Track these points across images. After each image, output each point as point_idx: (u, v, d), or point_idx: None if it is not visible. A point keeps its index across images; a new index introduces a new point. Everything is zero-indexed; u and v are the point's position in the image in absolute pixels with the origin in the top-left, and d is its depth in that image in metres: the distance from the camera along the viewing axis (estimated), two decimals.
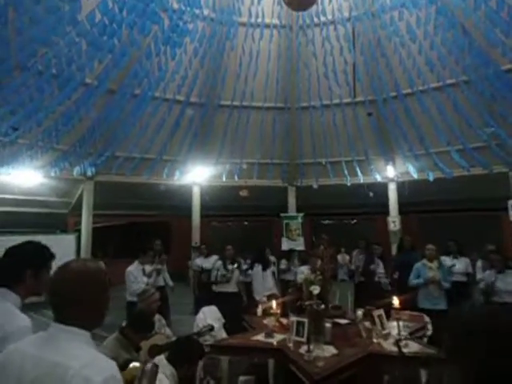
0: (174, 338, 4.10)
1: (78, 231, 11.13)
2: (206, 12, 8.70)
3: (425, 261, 5.44)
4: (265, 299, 6.08)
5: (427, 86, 9.35)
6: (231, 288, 6.63)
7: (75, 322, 1.33)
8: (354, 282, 7.32)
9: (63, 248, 9.49)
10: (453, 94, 9.13)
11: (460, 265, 6.27)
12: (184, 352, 3.02)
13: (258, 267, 6.67)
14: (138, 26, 7.08)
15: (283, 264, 7.94)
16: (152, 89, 9.21)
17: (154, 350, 3.55)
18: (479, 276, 5.83)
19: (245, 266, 7.15)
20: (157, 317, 4.57)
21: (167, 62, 8.64)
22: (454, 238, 6.64)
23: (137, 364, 3.07)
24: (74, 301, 1.34)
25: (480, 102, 8.97)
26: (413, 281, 5.42)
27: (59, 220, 12.92)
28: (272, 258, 7.49)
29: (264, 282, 6.57)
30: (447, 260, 6.15)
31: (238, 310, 5.93)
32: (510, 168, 9.60)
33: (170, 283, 6.93)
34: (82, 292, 1.35)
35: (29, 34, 6.11)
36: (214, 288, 6.74)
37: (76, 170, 9.90)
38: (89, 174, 10.27)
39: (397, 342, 2.52)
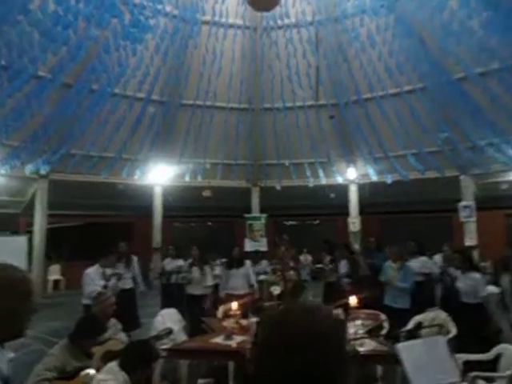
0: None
1: (30, 232, 10.53)
2: (168, 8, 8.53)
3: (389, 261, 5.61)
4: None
5: (386, 91, 9.69)
6: (200, 290, 6.45)
7: None
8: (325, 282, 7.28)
9: (13, 250, 8.94)
10: (410, 101, 9.52)
11: (417, 264, 6.49)
12: (136, 357, 2.89)
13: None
14: (96, 19, 6.80)
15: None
16: (111, 85, 8.89)
17: (108, 356, 3.39)
18: (435, 270, 6.10)
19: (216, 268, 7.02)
20: (112, 321, 4.37)
21: (128, 58, 8.38)
22: (414, 239, 6.86)
23: (89, 371, 2.92)
24: None
25: (435, 109, 9.41)
26: (381, 278, 5.59)
27: (10, 220, 12.17)
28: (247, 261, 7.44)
29: (233, 280, 6.51)
30: (411, 260, 6.35)
31: (201, 312, 5.81)
32: (461, 172, 10.12)
33: (142, 287, 6.68)
34: None
35: None
36: (183, 290, 6.54)
37: (28, 168, 9.36)
38: (42, 172, 9.74)
39: (349, 341, 2.55)
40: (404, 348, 1.90)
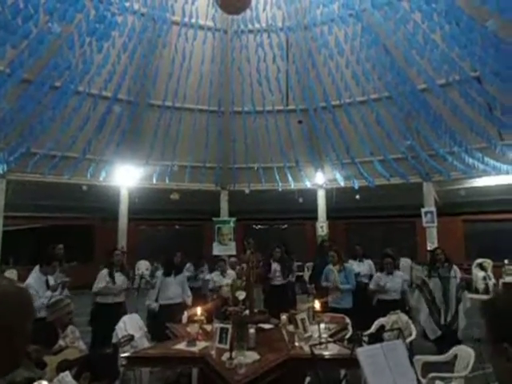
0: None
1: None
2: (136, 6, 8.35)
3: (330, 265, 5.91)
4: (155, 306, 5.83)
5: (353, 98, 9.91)
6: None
7: None
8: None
9: None
10: (376, 108, 9.78)
11: (364, 267, 6.77)
12: (93, 369, 2.75)
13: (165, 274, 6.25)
14: (59, 13, 6.53)
15: (189, 271, 7.33)
16: (75, 82, 8.57)
17: (64, 366, 3.22)
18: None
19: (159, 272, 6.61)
20: (70, 329, 4.17)
21: (93, 55, 8.11)
22: (365, 244, 7.24)
23: (42, 382, 2.74)
24: None
25: (399, 117, 9.72)
26: (323, 282, 5.92)
27: None
28: (188, 266, 7.16)
29: (169, 289, 6.13)
30: (354, 264, 6.66)
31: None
32: (423, 179, 10.50)
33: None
34: None
35: None
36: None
37: None
38: None
39: (310, 347, 2.55)
40: (363, 352, 1.90)
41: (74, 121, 9.22)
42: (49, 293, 5.04)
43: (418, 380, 2.04)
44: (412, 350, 4.37)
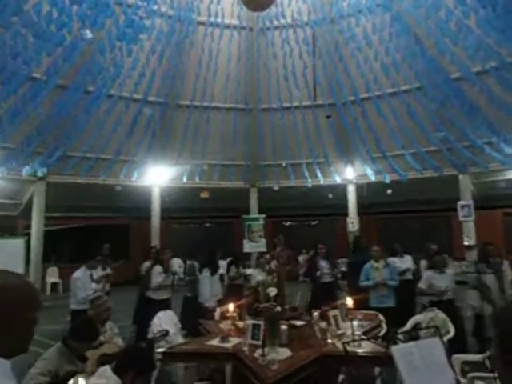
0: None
1: (28, 235, 10.48)
2: (163, 9, 8.50)
3: (372, 262, 5.63)
4: (213, 304, 5.92)
5: (383, 91, 9.65)
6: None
7: None
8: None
9: (11, 253, 8.88)
10: (407, 100, 9.48)
11: (405, 264, 6.53)
12: (130, 362, 2.85)
13: (207, 272, 6.43)
14: (90, 19, 6.76)
15: (232, 271, 7.47)
16: (107, 86, 8.85)
17: (103, 360, 3.35)
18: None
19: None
20: (108, 325, 4.34)
21: (123, 59, 8.34)
22: (401, 240, 7.00)
23: (79, 380, 2.86)
24: None
25: (431, 108, 9.38)
26: (363, 282, 5.59)
27: (7, 223, 12.13)
28: (222, 263, 7.24)
29: (212, 287, 6.33)
30: (396, 261, 6.40)
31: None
32: (459, 171, 10.09)
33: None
34: None
35: None
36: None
37: (26, 170, 9.31)
38: (39, 174, 9.70)
39: (343, 344, 2.51)
40: (398, 350, 1.86)
41: (107, 123, 9.52)
42: (93, 285, 5.44)
43: (456, 379, 1.98)
44: (453, 348, 4.24)
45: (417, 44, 8.47)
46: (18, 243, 10.22)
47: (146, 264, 6.50)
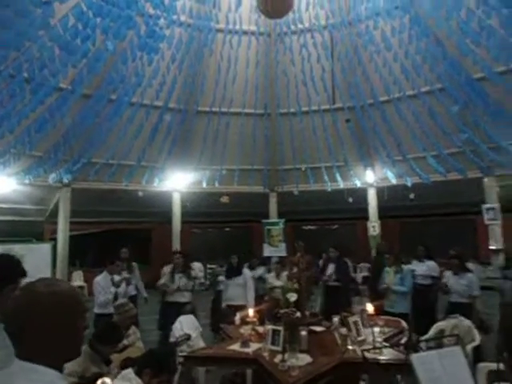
0: None
1: (55, 240, 10.82)
2: (182, 18, 8.67)
3: (387, 267, 5.76)
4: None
5: (403, 93, 9.53)
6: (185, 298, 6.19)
7: (42, 359, 1.05)
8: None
9: (39, 257, 9.19)
10: (428, 102, 9.33)
11: (423, 268, 6.40)
12: (153, 364, 2.92)
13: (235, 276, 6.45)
14: (113, 31, 6.99)
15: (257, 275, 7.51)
16: (129, 94, 9.09)
17: (127, 363, 3.45)
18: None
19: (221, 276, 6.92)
20: (132, 329, 4.46)
21: (144, 68, 8.55)
22: (425, 243, 6.86)
23: (106, 379, 2.96)
24: (42, 331, 1.06)
25: (453, 110, 9.17)
26: (380, 286, 5.75)
27: (35, 228, 12.56)
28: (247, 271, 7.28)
29: (229, 291, 6.36)
30: (417, 264, 6.36)
31: None
32: (484, 173, 9.83)
33: (144, 294, 6.75)
34: (51, 321, 1.07)
35: None
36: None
37: (52, 177, 9.65)
38: (65, 180, 10.03)
39: (362, 351, 2.51)
40: (418, 358, 1.85)
41: (129, 131, 9.77)
42: (113, 288, 5.57)
43: None
44: (478, 357, 4.14)
45: (437, 45, 8.34)
46: (45, 248, 10.57)
47: (166, 268, 6.59)
